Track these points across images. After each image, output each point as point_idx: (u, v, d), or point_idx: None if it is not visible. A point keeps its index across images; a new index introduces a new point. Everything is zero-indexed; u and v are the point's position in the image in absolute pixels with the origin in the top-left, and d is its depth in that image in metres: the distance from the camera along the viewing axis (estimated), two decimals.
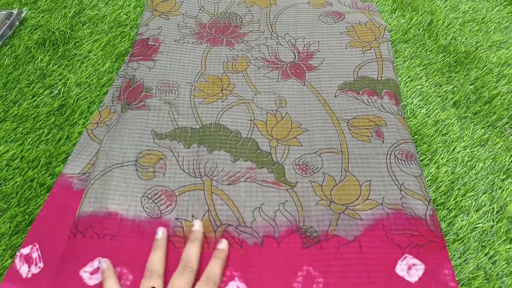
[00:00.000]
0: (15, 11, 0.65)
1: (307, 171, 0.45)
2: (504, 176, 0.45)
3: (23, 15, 0.66)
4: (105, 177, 0.44)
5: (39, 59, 0.60)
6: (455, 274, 0.38)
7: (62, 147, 0.49)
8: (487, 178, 0.45)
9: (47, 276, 0.38)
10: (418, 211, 0.41)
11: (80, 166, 0.47)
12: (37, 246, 0.40)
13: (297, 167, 0.46)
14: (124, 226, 0.41)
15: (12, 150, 0.49)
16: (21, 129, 0.52)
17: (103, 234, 0.40)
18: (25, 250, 0.40)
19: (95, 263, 0.38)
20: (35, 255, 0.40)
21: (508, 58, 0.59)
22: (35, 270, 0.39)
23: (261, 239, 0.41)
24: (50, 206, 0.43)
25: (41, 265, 0.39)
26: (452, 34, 0.62)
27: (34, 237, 0.41)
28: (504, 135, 0.49)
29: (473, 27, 0.64)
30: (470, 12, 0.67)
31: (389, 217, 0.41)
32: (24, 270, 0.39)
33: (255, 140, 0.49)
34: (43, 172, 0.47)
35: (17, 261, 0.39)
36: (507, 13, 0.66)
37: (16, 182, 0.46)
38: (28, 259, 0.39)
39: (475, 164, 0.46)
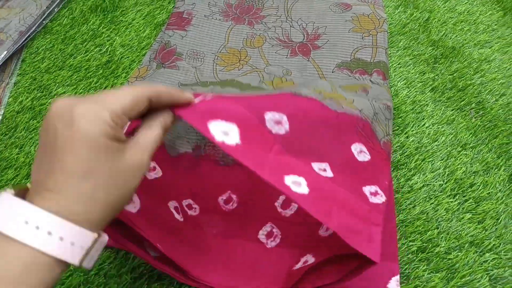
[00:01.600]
0: None
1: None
2: (460, 149, 0.55)
3: None
4: None
5: (91, 21, 0.73)
6: (404, 215, 0.49)
7: None
8: (445, 149, 0.55)
9: None
10: (378, 134, 0.48)
11: None
12: None
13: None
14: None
15: (68, 92, 0.62)
16: (76, 76, 0.64)
17: None
18: None
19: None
20: None
21: (488, 56, 0.68)
22: None
23: None
24: None
25: None
26: (444, 31, 0.71)
27: None
28: (469, 117, 0.59)
29: (464, 27, 0.73)
30: (465, 13, 0.75)
31: (360, 121, 0.47)
32: None
33: (262, 87, 0.60)
34: None
35: None
36: (498, 18, 0.75)
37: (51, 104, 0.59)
38: None
39: (438, 138, 0.56)
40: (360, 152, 0.45)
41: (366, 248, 0.32)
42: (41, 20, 0.71)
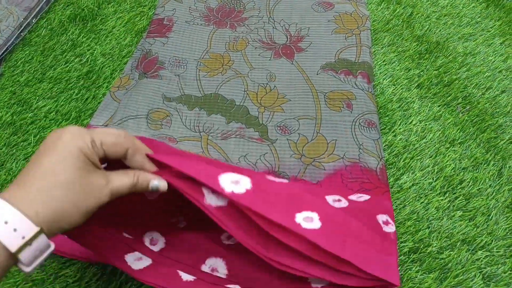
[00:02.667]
0: None
1: (286, 131, 0.55)
2: (449, 145, 0.55)
3: None
4: (121, 125, 0.55)
5: (70, 31, 0.71)
6: (394, 217, 0.48)
7: (89, 104, 0.61)
8: (434, 146, 0.55)
9: None
10: (371, 165, 0.51)
11: (104, 119, 0.58)
12: None
13: (278, 128, 0.56)
14: None
15: (48, 105, 0.61)
16: (56, 88, 0.63)
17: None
18: None
19: None
20: None
21: (473, 49, 0.67)
22: None
23: None
24: None
25: None
26: (428, 25, 0.71)
27: None
28: (456, 112, 0.59)
29: (448, 21, 0.72)
30: (448, 7, 0.75)
31: (347, 168, 0.51)
32: None
33: (247, 106, 0.59)
34: (74, 123, 0.58)
35: None
36: (481, 10, 0.74)
37: (52, 130, 0.57)
38: None
39: (426, 135, 0.56)
40: (358, 198, 0.47)
41: (383, 272, 0.33)
42: (18, 32, 0.69)
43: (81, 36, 0.71)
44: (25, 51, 0.68)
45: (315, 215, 0.35)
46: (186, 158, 0.37)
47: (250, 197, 0.33)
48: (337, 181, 0.50)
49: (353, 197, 0.47)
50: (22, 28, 0.70)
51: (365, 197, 0.47)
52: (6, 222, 0.25)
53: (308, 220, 0.34)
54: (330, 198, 0.43)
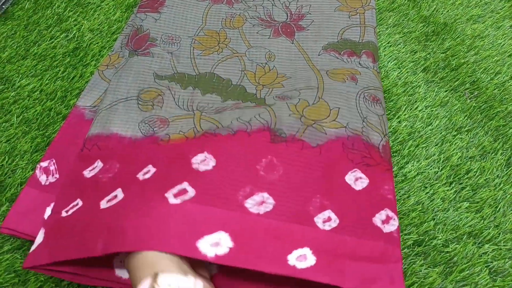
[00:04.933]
0: None
1: (285, 99, 0.52)
2: (455, 133, 0.52)
3: None
4: (111, 109, 0.52)
5: (56, 4, 0.67)
6: (398, 207, 0.46)
7: (76, 83, 0.57)
8: (440, 133, 0.52)
9: (60, 184, 0.46)
10: (374, 140, 0.47)
11: (91, 100, 0.54)
12: (54, 161, 0.48)
13: (277, 97, 0.53)
14: (121, 142, 0.48)
15: (32, 83, 0.57)
16: (41, 66, 0.59)
17: (103, 147, 0.48)
18: (44, 163, 0.48)
19: (95, 164, 0.46)
20: (52, 168, 0.48)
21: (482, 32, 0.64)
22: (52, 179, 0.47)
23: (233, 131, 0.47)
24: (65, 130, 0.51)
25: (57, 176, 0.47)
26: (435, 6, 0.67)
27: (52, 154, 0.49)
28: (463, 98, 0.56)
29: (456, 1, 0.69)
30: None
31: (349, 138, 0.47)
32: (43, 179, 0.47)
33: (244, 86, 0.56)
34: (59, 103, 0.55)
35: (37, 171, 0.47)
36: None
37: (36, 110, 0.54)
38: (46, 171, 0.48)
39: (432, 121, 0.53)
40: (356, 180, 0.44)
41: (390, 286, 0.33)
42: (0, 4, 0.65)
43: (67, 10, 0.66)
44: (8, 25, 0.64)
45: (307, 251, 0.35)
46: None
47: (236, 255, 0.33)
48: (338, 148, 0.47)
49: (351, 179, 0.44)
50: (4, 0, 0.65)
51: (364, 181, 0.44)
52: None
53: (301, 259, 0.34)
54: (319, 220, 0.40)
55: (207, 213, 0.37)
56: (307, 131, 0.47)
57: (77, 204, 0.43)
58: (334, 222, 0.40)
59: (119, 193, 0.43)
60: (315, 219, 0.40)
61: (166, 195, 0.39)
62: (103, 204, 0.42)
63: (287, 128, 0.47)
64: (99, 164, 0.47)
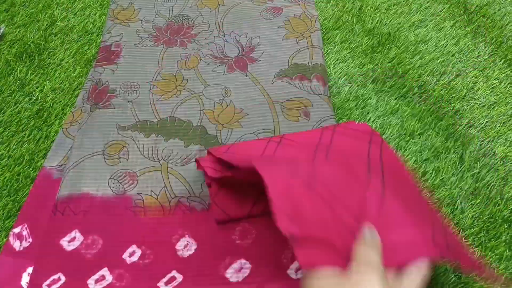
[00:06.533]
0: None
1: None
2: (408, 138, 0.54)
3: (1, 31, 0.74)
4: (78, 167, 0.54)
5: (18, 70, 0.69)
6: None
7: (42, 145, 0.59)
8: (394, 141, 0.54)
9: (35, 248, 0.48)
10: None
11: (57, 159, 0.56)
12: (26, 225, 0.50)
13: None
14: (94, 203, 0.50)
15: (0, 151, 0.59)
16: (7, 132, 0.61)
17: (77, 211, 0.49)
18: (16, 230, 0.49)
19: (72, 234, 0.48)
20: (24, 232, 0.49)
21: (424, 36, 0.67)
22: (25, 244, 0.48)
23: (207, 205, 0.50)
24: (35, 193, 0.53)
25: (30, 240, 0.49)
26: (378, 17, 0.71)
27: (23, 219, 0.50)
28: (412, 103, 0.58)
29: (397, 10, 0.72)
30: None
31: None
32: (17, 245, 0.48)
33: (204, 126, 0.58)
34: (27, 167, 0.56)
35: (10, 238, 0.49)
36: None
37: (5, 177, 0.55)
38: (19, 236, 0.49)
39: (385, 130, 0.55)
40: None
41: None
42: None
43: (29, 74, 0.68)
44: None
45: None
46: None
47: None
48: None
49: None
50: None
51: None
52: None
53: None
54: (292, 268, 0.45)
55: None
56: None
57: (59, 278, 0.45)
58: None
59: (107, 274, 0.46)
60: (288, 271, 0.44)
61: (158, 284, 0.44)
62: (91, 284, 0.45)
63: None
64: (77, 236, 0.48)
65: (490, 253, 0.44)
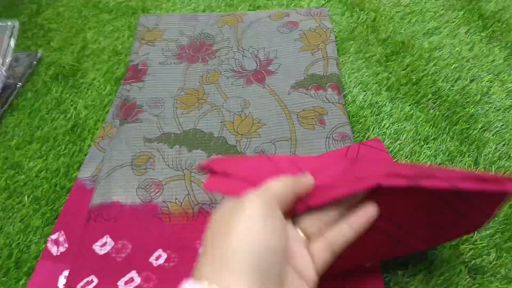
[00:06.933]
0: (33, 53, 0.80)
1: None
2: (423, 143, 0.55)
3: (39, 55, 0.81)
4: (109, 177, 0.58)
5: (54, 90, 0.75)
6: None
7: (76, 158, 0.63)
8: (408, 146, 0.55)
9: (71, 253, 0.52)
10: None
11: (90, 171, 0.60)
12: (63, 232, 0.54)
13: (256, 153, 0.58)
14: (124, 211, 0.54)
15: (39, 164, 0.64)
16: (45, 147, 0.66)
17: (108, 218, 0.53)
18: (54, 236, 0.54)
19: (104, 239, 0.52)
20: (61, 238, 0.53)
21: (439, 43, 0.68)
22: (62, 249, 0.52)
23: None
24: (70, 202, 0.57)
25: (66, 245, 0.53)
26: (392, 27, 0.72)
27: (60, 226, 0.55)
28: (427, 109, 0.59)
29: (412, 18, 0.74)
30: (411, 4, 0.76)
31: None
32: (54, 250, 0.52)
33: (225, 137, 0.61)
34: (63, 178, 0.61)
35: (49, 244, 0.53)
36: (443, 1, 0.76)
37: (44, 188, 0.60)
38: (57, 242, 0.53)
39: (400, 136, 0.57)
40: None
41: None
42: (6, 98, 0.73)
43: (64, 93, 0.74)
44: (14, 116, 0.72)
45: None
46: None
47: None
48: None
49: None
50: (9, 94, 0.74)
51: None
52: None
53: None
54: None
55: None
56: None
57: (92, 280, 0.49)
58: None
59: (135, 276, 0.49)
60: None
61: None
62: (121, 286, 0.48)
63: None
64: (108, 241, 0.52)
65: (506, 254, 0.44)
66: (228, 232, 0.25)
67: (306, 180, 0.31)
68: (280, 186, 0.29)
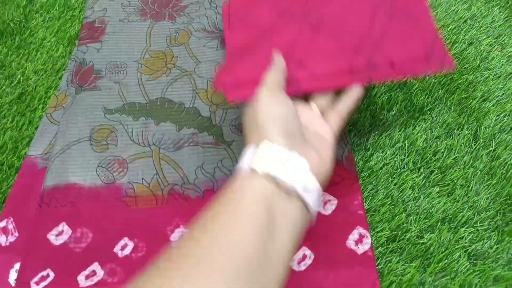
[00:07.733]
0: None
1: (242, 130, 0.51)
2: (418, 114, 0.50)
3: None
4: (64, 155, 0.50)
5: None
6: (367, 203, 0.44)
7: (25, 131, 0.55)
8: (402, 117, 0.50)
9: (21, 242, 0.45)
10: (336, 154, 0.47)
11: (42, 147, 0.52)
12: (11, 219, 0.47)
13: (234, 127, 0.51)
14: (82, 194, 0.47)
15: None
16: None
17: (64, 202, 0.46)
18: (1, 224, 0.46)
19: (60, 227, 0.45)
20: (10, 226, 0.46)
21: (434, 1, 0.62)
22: (11, 239, 0.45)
23: (202, 193, 0.47)
24: (19, 184, 0.49)
25: (16, 234, 0.46)
26: None
27: (8, 212, 0.47)
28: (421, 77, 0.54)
29: None
30: None
31: None
32: (2, 240, 0.45)
33: (197, 108, 0.54)
34: (11, 155, 0.53)
35: None
36: None
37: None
38: (5, 231, 0.46)
39: (393, 106, 0.51)
40: (325, 204, 0.45)
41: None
42: None
43: (9, 55, 0.64)
44: None
45: None
46: None
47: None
48: None
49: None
50: None
51: (333, 203, 0.45)
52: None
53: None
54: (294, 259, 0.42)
55: None
56: None
57: (48, 275, 0.42)
58: (309, 258, 0.41)
59: (98, 269, 0.43)
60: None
61: None
62: (82, 280, 0.42)
63: None
64: (65, 229, 0.45)
65: (507, 237, 0.41)
66: (256, 116, 0.34)
67: (280, 63, 0.38)
68: (272, 77, 0.37)
